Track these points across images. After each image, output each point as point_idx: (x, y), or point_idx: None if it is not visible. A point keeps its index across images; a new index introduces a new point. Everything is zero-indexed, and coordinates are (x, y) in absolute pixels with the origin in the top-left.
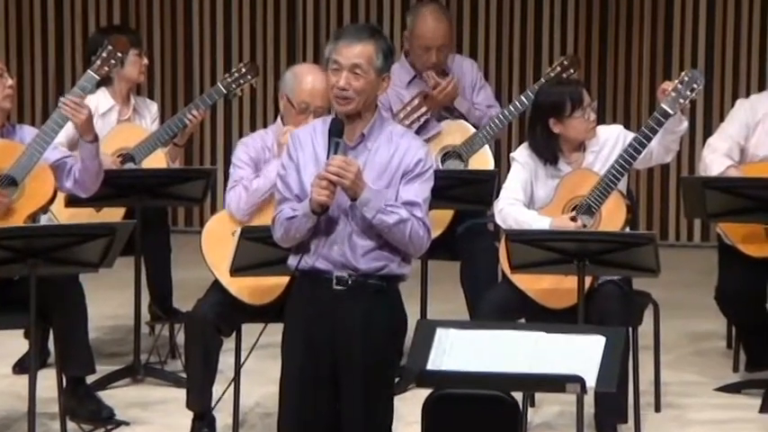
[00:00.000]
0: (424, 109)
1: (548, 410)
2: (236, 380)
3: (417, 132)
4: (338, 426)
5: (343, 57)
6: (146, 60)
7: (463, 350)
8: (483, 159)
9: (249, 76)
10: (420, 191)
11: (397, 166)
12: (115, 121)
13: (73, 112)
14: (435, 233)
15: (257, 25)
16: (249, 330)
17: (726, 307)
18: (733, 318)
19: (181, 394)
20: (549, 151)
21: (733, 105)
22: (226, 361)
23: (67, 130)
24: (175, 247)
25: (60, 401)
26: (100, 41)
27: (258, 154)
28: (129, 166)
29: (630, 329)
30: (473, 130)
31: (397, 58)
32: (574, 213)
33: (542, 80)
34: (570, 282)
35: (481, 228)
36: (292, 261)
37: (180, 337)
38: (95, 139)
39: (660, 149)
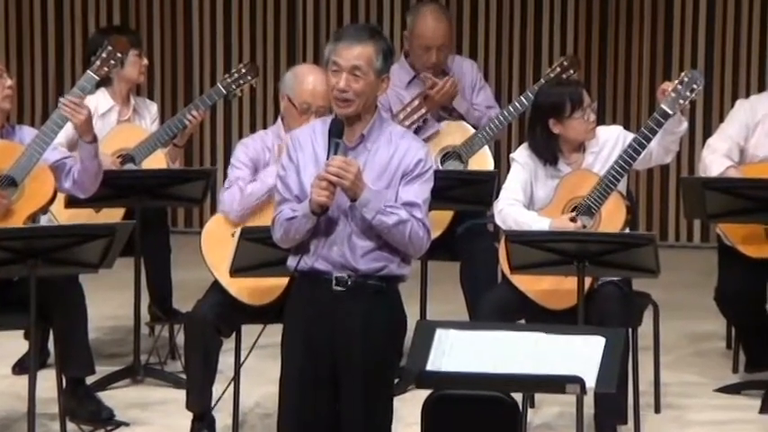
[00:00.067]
0: (423, 110)
1: (547, 411)
2: (236, 380)
3: (415, 132)
4: (338, 426)
5: (342, 58)
6: (145, 61)
7: (463, 351)
8: (483, 160)
9: (249, 77)
10: (420, 191)
11: (396, 167)
12: (115, 121)
13: (72, 112)
14: (435, 234)
15: (257, 26)
16: (249, 331)
17: (725, 308)
18: (733, 318)
19: (180, 395)
20: (548, 152)
21: (733, 106)
22: (225, 361)
23: (67, 131)
24: (175, 248)
25: (60, 402)
26: (100, 42)
27: (258, 155)
28: (129, 166)
29: (630, 330)
30: (473, 130)
31: (396, 58)
32: (574, 214)
33: (542, 81)
34: (570, 282)
35: (481, 228)
36: (292, 262)
37: (180, 338)
38: (94, 139)
39: (660, 150)
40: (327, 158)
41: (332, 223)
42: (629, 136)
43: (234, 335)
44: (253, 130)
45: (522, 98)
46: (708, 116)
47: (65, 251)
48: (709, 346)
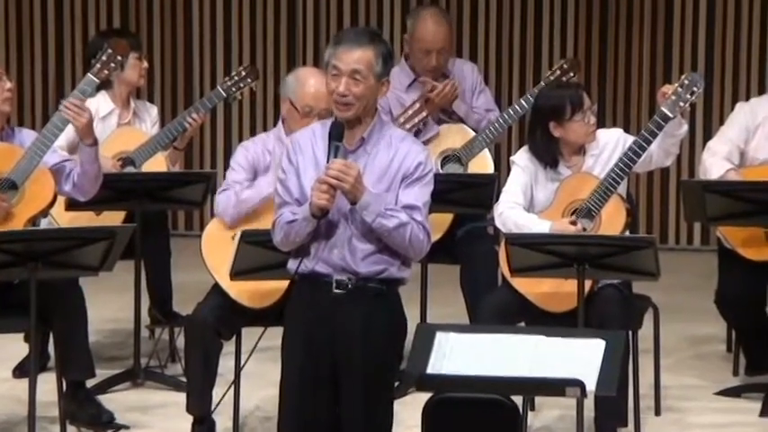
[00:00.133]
0: (424, 113)
1: (548, 414)
2: (236, 383)
3: (415, 135)
4: (338, 429)
5: (342, 62)
6: (146, 64)
7: (463, 354)
8: (482, 163)
9: (249, 80)
10: (420, 194)
11: (396, 170)
12: (115, 124)
13: (74, 115)
14: (435, 237)
15: (257, 28)
16: (249, 334)
17: (726, 311)
18: (733, 321)
19: (181, 398)
20: (549, 155)
21: (733, 109)
22: (225, 364)
23: (67, 134)
24: (175, 251)
25: (60, 405)
26: (100, 45)
27: (258, 158)
28: (129, 169)
29: (630, 333)
30: (472, 133)
31: (396, 61)
32: (574, 217)
33: (542, 84)
34: (570, 285)
35: (481, 231)
36: (292, 265)
37: (180, 341)
38: (95, 142)
39: (660, 153)
40: (327, 162)
41: (332, 226)
42: (630, 139)
43: (234, 338)
44: (253, 132)
45: (522, 101)
46: (708, 119)
47: (65, 254)
48: (709, 349)
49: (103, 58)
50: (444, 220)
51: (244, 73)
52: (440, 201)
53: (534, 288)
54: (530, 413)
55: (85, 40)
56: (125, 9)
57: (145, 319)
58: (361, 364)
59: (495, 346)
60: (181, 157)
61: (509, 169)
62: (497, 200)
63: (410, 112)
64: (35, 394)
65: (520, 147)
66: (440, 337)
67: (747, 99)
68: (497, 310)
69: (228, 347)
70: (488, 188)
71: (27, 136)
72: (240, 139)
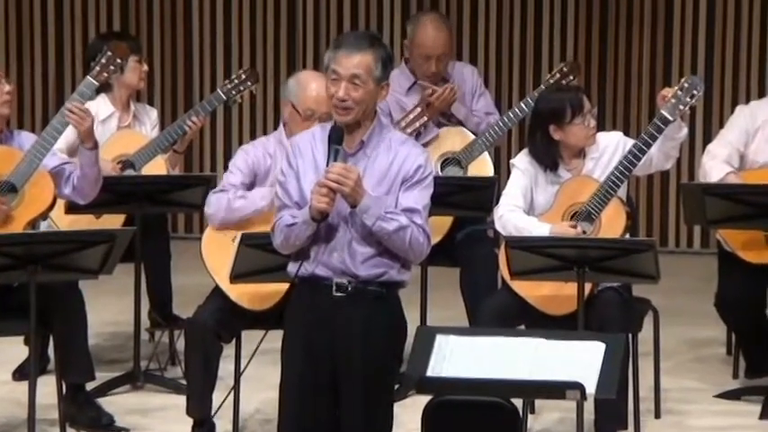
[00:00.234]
0: (425, 118)
1: (548, 417)
2: (236, 387)
3: (414, 137)
4: None
5: (342, 67)
6: (145, 67)
7: (463, 357)
8: (482, 166)
9: (249, 83)
10: (420, 197)
11: (396, 173)
12: (115, 127)
13: (78, 119)
14: (435, 239)
15: (257, 32)
16: (249, 337)
17: (726, 314)
18: (733, 324)
19: (181, 401)
20: (549, 158)
21: (733, 112)
22: (225, 368)
23: (67, 137)
24: (175, 254)
25: (60, 408)
26: (99, 47)
27: (258, 161)
28: (129, 172)
29: (630, 336)
30: (472, 136)
31: (396, 64)
32: (574, 221)
33: (542, 87)
34: (570, 288)
35: (481, 234)
36: (292, 268)
37: (180, 344)
38: (96, 146)
39: (660, 156)
40: (327, 165)
41: (332, 230)
42: (630, 142)
43: (234, 341)
44: (253, 136)
45: (522, 104)
46: (708, 122)
47: (65, 257)
48: (709, 352)
49: (103, 60)
50: (444, 222)
51: (244, 76)
52: (440, 204)
53: (534, 291)
54: (530, 416)
55: (85, 43)
56: (125, 12)
57: (145, 321)
58: (362, 366)
59: (495, 348)
60: (181, 160)
61: (509, 172)
62: (497, 203)
63: (411, 116)
64: (35, 397)
65: (520, 150)
66: (440, 339)
67: (747, 102)
68: (497, 313)
69: (228, 350)
70: (488, 191)
71: (26, 139)
72: (240, 143)
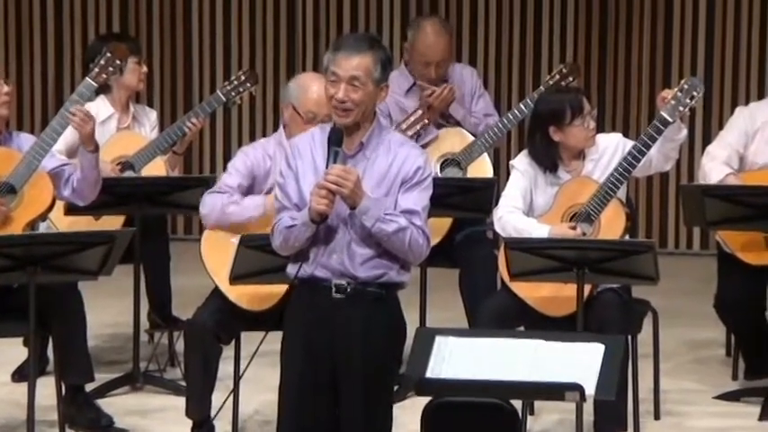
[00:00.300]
0: (426, 120)
1: (547, 418)
2: (236, 388)
3: (412, 137)
4: None
5: (341, 69)
6: (145, 68)
7: (462, 358)
8: (482, 167)
9: (248, 84)
10: (419, 199)
11: (395, 175)
12: (114, 128)
13: (80, 123)
14: (434, 241)
15: (257, 33)
16: (248, 338)
17: (725, 315)
18: (732, 326)
19: (180, 402)
20: (548, 159)
21: (732, 113)
22: (225, 370)
23: (66, 138)
24: (174, 255)
25: (59, 409)
26: (99, 49)
27: (258, 163)
28: (129, 173)
29: (630, 337)
30: (471, 137)
31: (396, 65)
32: (573, 222)
33: (541, 88)
34: (569, 290)
35: (480, 235)
36: (291, 269)
37: (179, 345)
38: (97, 149)
39: (659, 157)
40: (326, 167)
41: (331, 231)
42: (629, 143)
43: (233, 342)
44: (252, 137)
45: (521, 105)
46: (707, 123)
47: (64, 258)
48: (708, 354)
49: (102, 62)
50: (443, 224)
51: (243, 77)
52: (439, 205)
53: (533, 292)
54: (529, 417)
55: (85, 44)
56: (124, 13)
57: (144, 323)
58: (361, 366)
59: (495, 350)
60: (180, 162)
61: (508, 173)
62: (496, 204)
63: (412, 119)
64: (34, 398)
65: (519, 151)
66: (439, 341)
67: (747, 103)
68: (496, 315)
69: (228, 352)
70: (487, 192)
71: (25, 140)
72: (239, 144)
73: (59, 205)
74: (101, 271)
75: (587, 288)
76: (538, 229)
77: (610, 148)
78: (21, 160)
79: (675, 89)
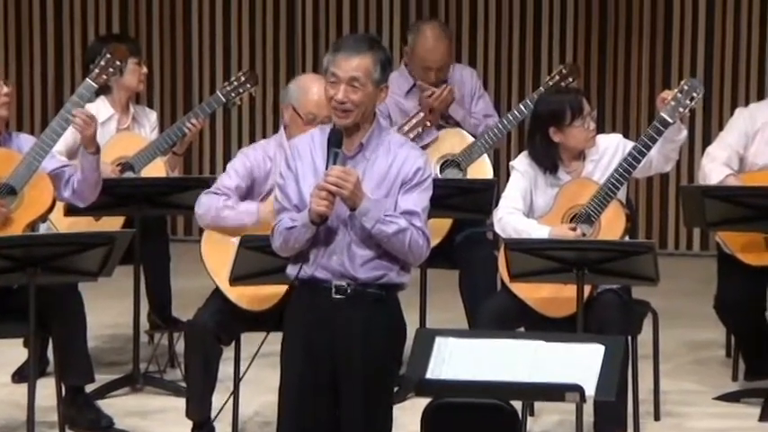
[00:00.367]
0: (428, 123)
1: (547, 419)
2: (236, 389)
3: (413, 139)
4: None
5: (341, 70)
6: (145, 69)
7: (462, 359)
8: (482, 168)
9: (248, 85)
10: (419, 200)
11: (395, 176)
12: (114, 129)
13: (83, 125)
14: (434, 242)
15: (256, 34)
16: (248, 339)
17: (725, 316)
18: (732, 327)
19: (180, 403)
20: (548, 160)
21: (732, 114)
22: (225, 371)
23: (66, 139)
24: (175, 256)
25: (59, 410)
26: (99, 50)
27: (258, 164)
28: (129, 174)
29: (630, 338)
30: (471, 138)
31: (395, 66)
32: (573, 224)
33: (541, 89)
34: (569, 290)
35: (480, 237)
36: (291, 270)
37: (179, 346)
38: (98, 151)
39: (660, 158)
40: (326, 168)
41: (331, 232)
42: (629, 144)
43: (234, 344)
44: (252, 138)
45: (521, 106)
46: (707, 124)
47: (64, 259)
48: (708, 355)
49: (102, 63)
50: (443, 225)
51: (243, 78)
52: (439, 206)
53: (533, 293)
54: (529, 418)
55: (85, 45)
56: (124, 14)
57: (144, 324)
58: (361, 366)
59: (495, 351)
60: (180, 163)
61: (508, 174)
62: (496, 205)
63: (414, 120)
64: (34, 399)
65: (519, 152)
66: (439, 342)
67: (746, 104)
68: (496, 316)
69: (228, 353)
70: (487, 193)
71: (25, 141)
72: (239, 145)
73: (59, 206)
74: (101, 272)
75: (587, 289)
76: (538, 231)
77: (610, 149)
78: (21, 161)
79: (675, 90)
